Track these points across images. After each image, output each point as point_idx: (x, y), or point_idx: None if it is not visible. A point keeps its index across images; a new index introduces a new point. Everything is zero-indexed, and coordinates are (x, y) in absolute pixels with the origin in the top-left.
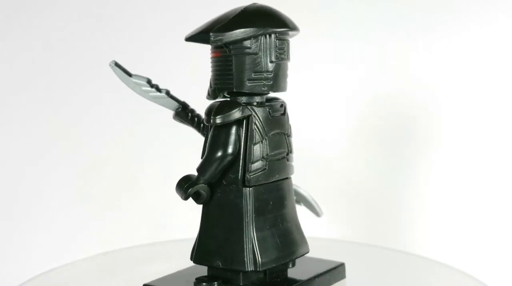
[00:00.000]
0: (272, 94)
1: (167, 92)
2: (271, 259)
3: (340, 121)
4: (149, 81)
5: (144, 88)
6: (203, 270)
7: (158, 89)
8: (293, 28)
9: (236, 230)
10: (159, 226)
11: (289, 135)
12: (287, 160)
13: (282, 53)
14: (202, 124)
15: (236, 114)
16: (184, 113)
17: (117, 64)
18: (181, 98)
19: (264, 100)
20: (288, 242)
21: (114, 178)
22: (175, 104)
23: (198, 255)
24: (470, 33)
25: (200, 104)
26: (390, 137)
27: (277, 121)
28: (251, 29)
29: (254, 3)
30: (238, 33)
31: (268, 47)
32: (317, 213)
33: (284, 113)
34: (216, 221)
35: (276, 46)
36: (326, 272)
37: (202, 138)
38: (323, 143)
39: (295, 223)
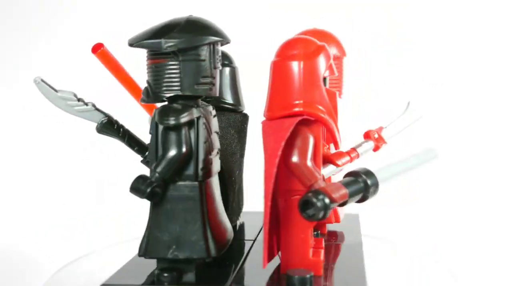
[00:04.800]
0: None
1: (93, 105)
2: (223, 244)
3: None
4: (75, 95)
5: (69, 102)
6: (150, 263)
7: (85, 103)
8: (228, 39)
9: (193, 221)
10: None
11: (218, 134)
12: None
13: (220, 61)
14: (126, 135)
15: (189, 116)
16: (109, 124)
17: (43, 81)
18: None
19: (200, 102)
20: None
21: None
22: (100, 116)
23: (150, 249)
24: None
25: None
26: None
27: (214, 122)
28: (202, 37)
29: (191, 15)
30: (193, 41)
31: (213, 55)
32: None
33: (215, 115)
34: (170, 216)
35: (217, 54)
36: None
37: None
38: None
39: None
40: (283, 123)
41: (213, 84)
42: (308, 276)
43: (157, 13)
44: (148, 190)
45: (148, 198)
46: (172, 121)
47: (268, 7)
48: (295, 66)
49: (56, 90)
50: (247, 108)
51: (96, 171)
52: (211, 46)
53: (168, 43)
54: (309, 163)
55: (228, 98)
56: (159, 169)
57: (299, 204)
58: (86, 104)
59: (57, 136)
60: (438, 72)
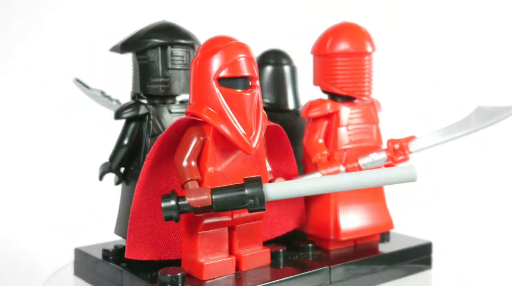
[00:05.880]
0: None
1: (117, 101)
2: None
3: None
4: (102, 93)
5: (100, 98)
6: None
7: (110, 99)
8: (188, 41)
9: None
10: None
11: None
12: None
13: (179, 62)
14: None
15: (134, 112)
16: None
17: (78, 80)
18: None
19: (168, 101)
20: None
21: None
22: None
23: (117, 228)
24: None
25: None
26: None
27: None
28: (149, 41)
29: (163, 20)
30: (139, 45)
31: (164, 56)
32: None
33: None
34: (127, 200)
35: (172, 56)
36: None
37: None
38: None
39: None
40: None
41: (166, 84)
42: (179, 274)
43: (157, 14)
44: (100, 173)
45: (101, 180)
46: (116, 115)
47: (268, 7)
48: (194, 66)
49: (89, 88)
50: None
51: (98, 170)
52: (162, 49)
53: (123, 47)
54: (185, 163)
55: (289, 98)
56: (110, 156)
57: None
58: (112, 100)
59: (58, 136)
60: (438, 72)
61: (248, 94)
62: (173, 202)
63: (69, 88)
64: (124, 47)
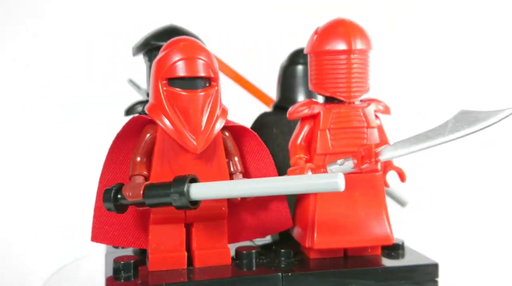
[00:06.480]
0: None
1: None
2: None
3: None
4: (148, 94)
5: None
6: None
7: None
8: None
9: None
10: None
11: None
12: None
13: None
14: None
15: (139, 109)
16: None
17: (131, 81)
18: None
19: None
20: None
21: None
22: None
23: None
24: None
25: None
26: None
27: None
28: (148, 44)
29: (170, 24)
30: (142, 47)
31: None
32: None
33: None
34: None
35: None
36: None
37: None
38: None
39: None
40: None
41: None
42: (131, 261)
43: (158, 14)
44: None
45: None
46: (126, 112)
47: (268, 7)
48: (152, 65)
49: (139, 88)
50: None
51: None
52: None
53: (133, 50)
54: (135, 158)
55: (318, 99)
56: None
57: None
58: None
59: (59, 136)
60: (438, 72)
61: (202, 93)
62: (110, 194)
63: (69, 88)
64: (133, 50)
